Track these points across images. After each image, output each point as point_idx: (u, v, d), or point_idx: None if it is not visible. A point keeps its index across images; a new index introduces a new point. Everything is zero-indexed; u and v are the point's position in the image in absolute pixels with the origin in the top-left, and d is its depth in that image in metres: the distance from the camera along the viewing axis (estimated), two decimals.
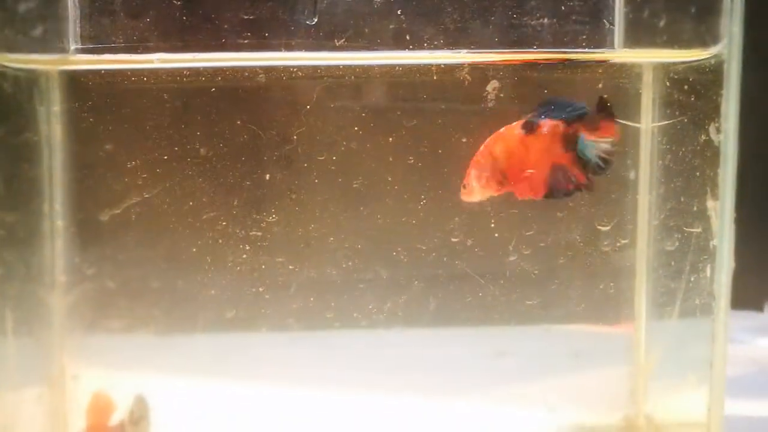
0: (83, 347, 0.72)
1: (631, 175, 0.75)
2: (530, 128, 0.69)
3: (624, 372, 0.81)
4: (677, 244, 0.73)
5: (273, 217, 0.72)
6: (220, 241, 0.72)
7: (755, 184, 1.17)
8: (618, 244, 0.76)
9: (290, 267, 0.73)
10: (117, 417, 0.68)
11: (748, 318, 1.50)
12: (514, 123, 0.69)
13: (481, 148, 0.69)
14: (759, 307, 1.56)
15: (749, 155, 0.72)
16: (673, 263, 0.74)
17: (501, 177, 0.69)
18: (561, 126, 0.69)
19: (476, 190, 0.69)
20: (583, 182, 0.69)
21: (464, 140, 0.72)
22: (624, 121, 0.78)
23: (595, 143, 0.69)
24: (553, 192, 0.70)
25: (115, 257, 0.71)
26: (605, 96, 0.69)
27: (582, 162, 0.69)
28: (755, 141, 0.80)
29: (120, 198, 0.70)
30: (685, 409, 0.75)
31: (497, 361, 0.81)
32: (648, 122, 0.78)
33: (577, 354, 0.80)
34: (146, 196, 0.71)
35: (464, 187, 0.69)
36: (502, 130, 0.69)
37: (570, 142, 0.69)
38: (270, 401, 0.76)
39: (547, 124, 0.69)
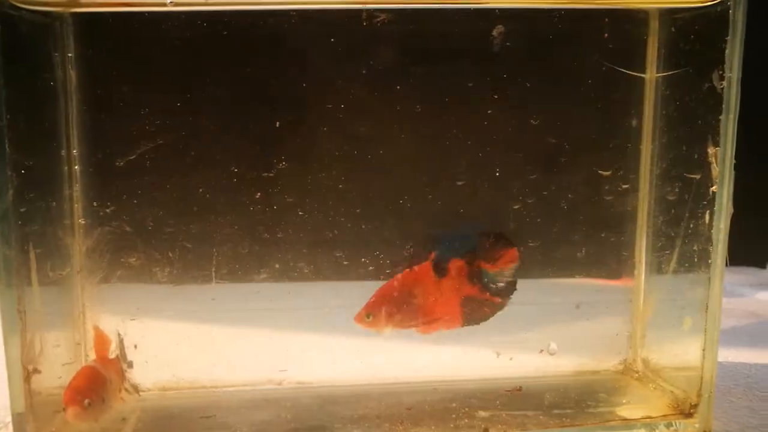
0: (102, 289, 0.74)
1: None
2: (442, 272, 0.73)
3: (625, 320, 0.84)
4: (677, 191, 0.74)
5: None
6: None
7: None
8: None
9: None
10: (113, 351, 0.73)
11: (750, 274, 1.53)
12: (422, 264, 0.73)
13: (394, 284, 0.72)
14: (761, 265, 1.59)
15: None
16: (673, 210, 0.76)
17: (413, 315, 0.73)
18: (465, 266, 0.73)
19: (383, 323, 0.72)
20: (498, 303, 0.74)
21: None
22: (628, 71, 0.79)
23: (499, 273, 0.73)
24: (469, 321, 0.74)
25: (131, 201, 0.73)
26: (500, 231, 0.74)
27: (490, 289, 0.74)
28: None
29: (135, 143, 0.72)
30: (681, 353, 0.77)
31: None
32: (652, 72, 0.79)
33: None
34: (160, 142, 0.72)
35: (368, 317, 0.72)
36: (414, 269, 0.73)
37: (476, 277, 0.73)
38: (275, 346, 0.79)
39: (454, 266, 0.73)
